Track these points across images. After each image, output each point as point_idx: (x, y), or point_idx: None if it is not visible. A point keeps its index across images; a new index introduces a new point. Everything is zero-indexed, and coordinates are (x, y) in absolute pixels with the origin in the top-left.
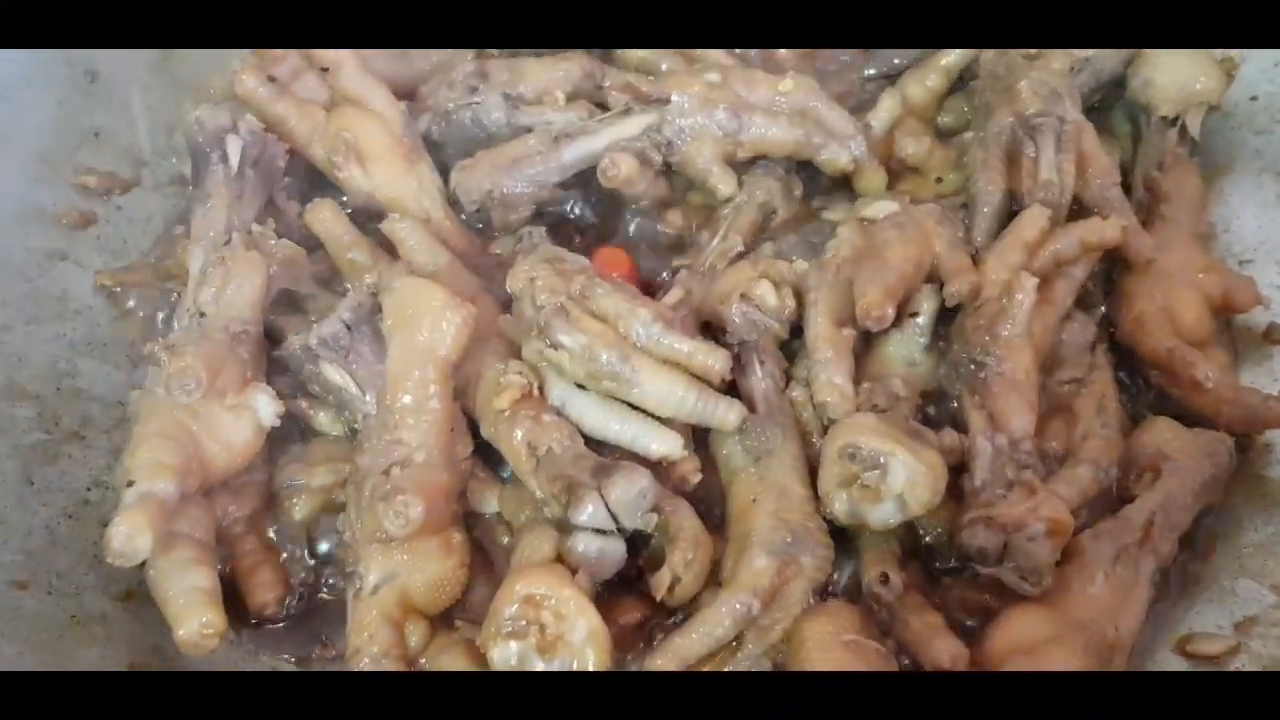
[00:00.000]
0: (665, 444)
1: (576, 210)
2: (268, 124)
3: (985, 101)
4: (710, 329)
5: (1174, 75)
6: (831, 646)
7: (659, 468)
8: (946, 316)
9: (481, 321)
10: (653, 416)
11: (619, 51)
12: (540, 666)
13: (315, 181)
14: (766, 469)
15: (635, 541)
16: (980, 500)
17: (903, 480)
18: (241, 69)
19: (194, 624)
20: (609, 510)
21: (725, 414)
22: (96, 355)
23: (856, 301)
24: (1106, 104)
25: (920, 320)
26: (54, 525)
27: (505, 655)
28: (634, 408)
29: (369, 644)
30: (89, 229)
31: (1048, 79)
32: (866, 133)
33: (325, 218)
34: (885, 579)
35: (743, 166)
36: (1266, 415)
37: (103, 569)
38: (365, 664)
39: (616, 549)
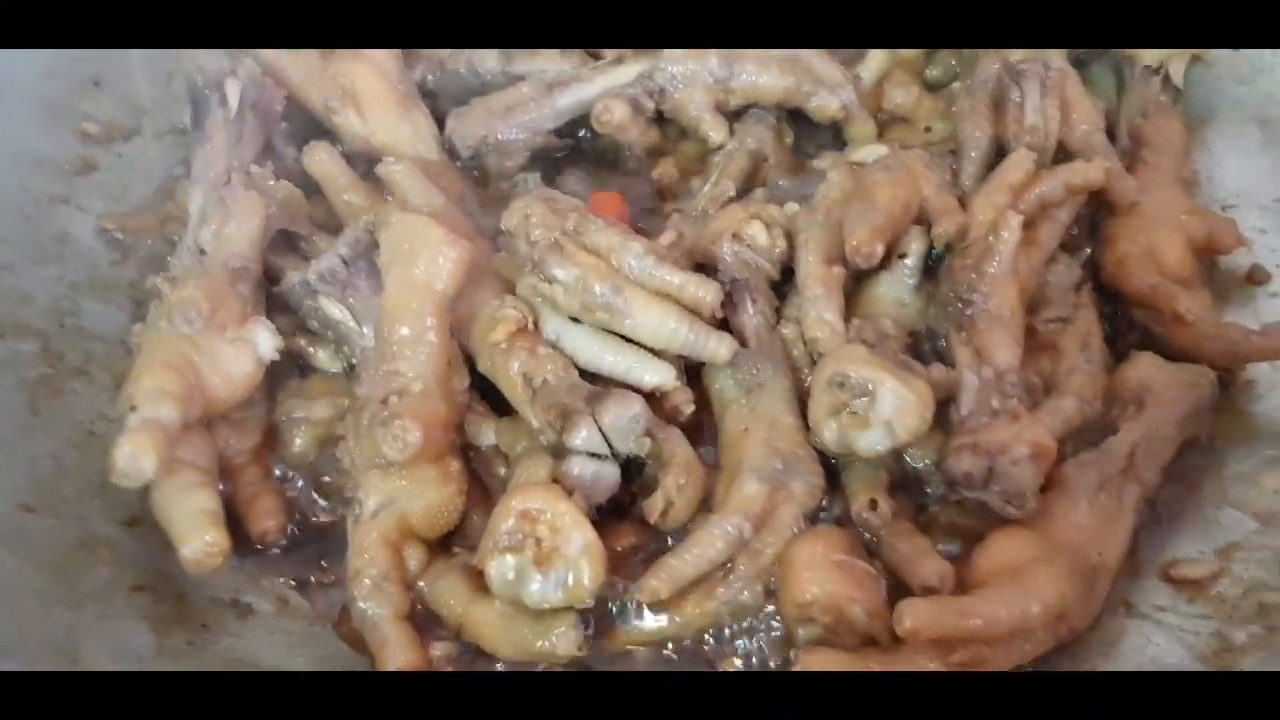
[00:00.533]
0: (658, 375)
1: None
2: (264, 69)
3: (973, 51)
4: (703, 270)
5: None
6: (821, 565)
7: (653, 399)
8: (933, 262)
9: (475, 261)
10: (646, 349)
11: None
12: (536, 579)
13: (311, 128)
14: (757, 401)
15: (628, 470)
16: (966, 428)
17: (891, 407)
18: None
19: (199, 543)
20: (603, 434)
21: (717, 347)
22: (98, 296)
23: (846, 240)
24: (1087, 58)
25: (908, 261)
26: (59, 454)
27: (502, 569)
28: (627, 340)
29: (368, 565)
30: (90, 174)
31: None
32: (856, 84)
33: (322, 160)
34: (874, 505)
35: (734, 115)
36: (1248, 348)
37: (108, 495)
38: (366, 585)
39: (611, 473)
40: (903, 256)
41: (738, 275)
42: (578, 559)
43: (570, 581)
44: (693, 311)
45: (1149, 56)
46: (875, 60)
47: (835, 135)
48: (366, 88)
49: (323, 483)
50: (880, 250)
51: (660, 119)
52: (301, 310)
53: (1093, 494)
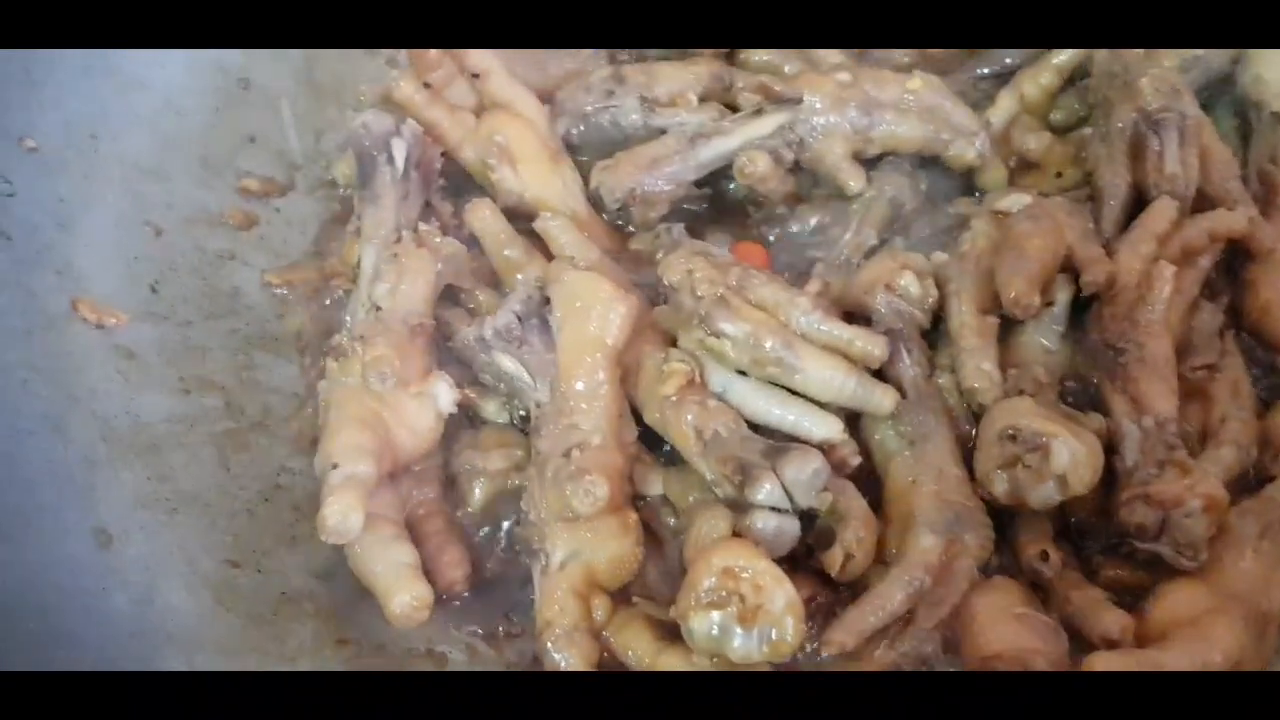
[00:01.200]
0: (826, 428)
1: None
2: (425, 128)
3: (1104, 98)
4: (852, 319)
5: None
6: (1004, 619)
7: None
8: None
9: (638, 314)
10: (810, 401)
11: (741, 55)
12: (739, 635)
13: (461, 185)
14: (922, 452)
15: (802, 522)
16: (1135, 479)
17: (1066, 460)
18: (400, 76)
19: (405, 597)
20: (784, 489)
21: (882, 399)
22: (269, 349)
23: (1001, 292)
24: (1210, 102)
25: (1056, 309)
26: (253, 509)
27: (706, 625)
28: (792, 393)
29: (560, 616)
30: (252, 229)
31: (1167, 75)
32: (986, 129)
33: (485, 216)
34: (1045, 556)
35: (870, 164)
36: None
37: (300, 549)
38: (558, 635)
39: (792, 526)
40: (1049, 304)
41: (893, 325)
42: (781, 616)
43: (774, 637)
44: (858, 364)
45: (1276, 102)
46: (1003, 105)
47: (964, 181)
48: (520, 144)
49: (506, 532)
50: (1038, 300)
51: (796, 167)
52: (476, 364)
53: (1256, 541)
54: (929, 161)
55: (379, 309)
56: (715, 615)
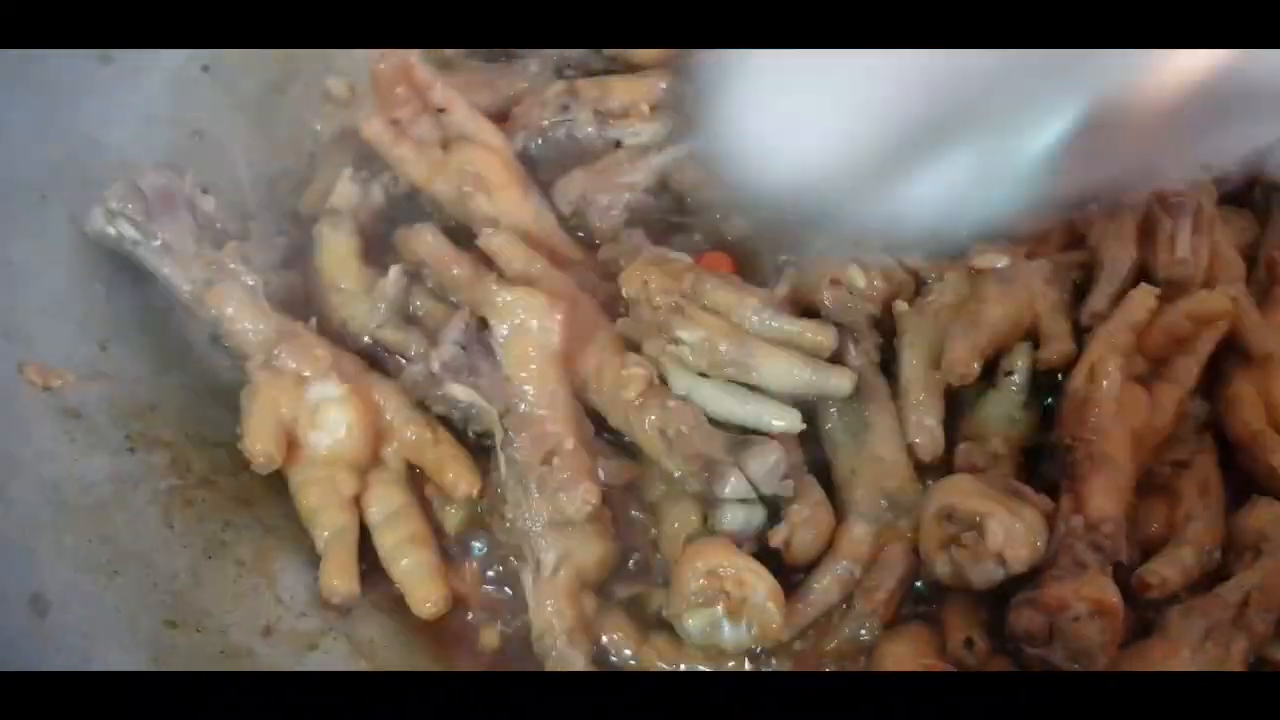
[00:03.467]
0: (785, 419)
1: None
2: (389, 164)
3: None
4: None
5: None
6: (910, 668)
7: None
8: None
9: (584, 320)
10: (770, 395)
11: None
12: (728, 628)
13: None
14: (863, 443)
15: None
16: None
17: (1001, 539)
18: (367, 116)
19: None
20: (749, 481)
21: (839, 382)
22: (219, 401)
23: (944, 355)
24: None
25: (1016, 378)
26: (196, 567)
27: (700, 622)
28: (752, 388)
29: (559, 619)
30: None
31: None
32: None
33: (428, 240)
34: (970, 643)
35: None
36: None
37: (243, 606)
38: (560, 638)
39: (759, 515)
40: (1009, 374)
41: (840, 320)
42: (765, 604)
43: (761, 623)
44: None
45: None
46: None
47: None
48: (491, 172)
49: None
50: (976, 369)
51: None
52: (429, 399)
53: (1197, 643)
54: None
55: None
56: (706, 613)
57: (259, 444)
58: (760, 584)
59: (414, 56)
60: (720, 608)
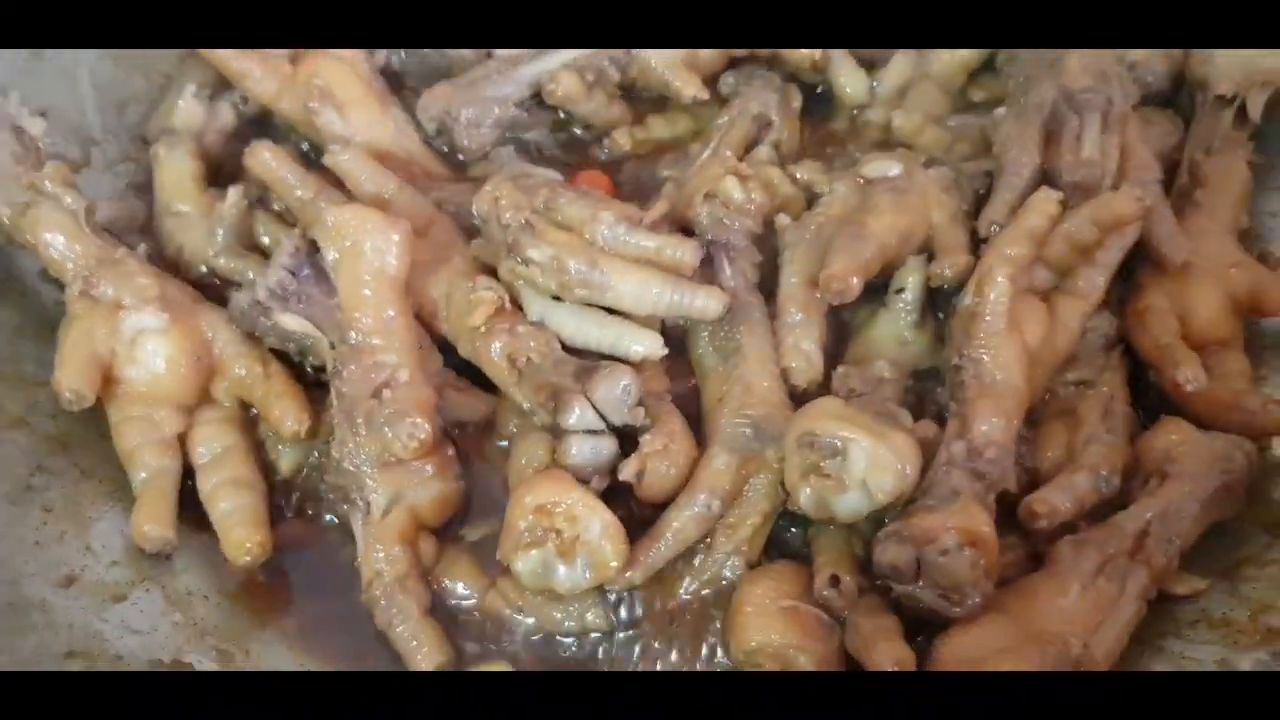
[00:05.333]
0: (645, 344)
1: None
2: (233, 81)
3: (1026, 75)
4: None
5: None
6: (767, 611)
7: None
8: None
9: (439, 243)
10: (632, 319)
11: None
12: (562, 569)
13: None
14: (733, 366)
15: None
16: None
17: (863, 466)
18: None
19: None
20: (596, 410)
21: (705, 303)
22: (44, 338)
23: (823, 271)
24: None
25: (907, 295)
26: None
27: (529, 565)
28: (612, 313)
29: (389, 566)
30: None
31: (1100, 59)
32: (873, 91)
33: (265, 158)
34: (836, 581)
35: (741, 79)
36: (1264, 420)
37: (45, 554)
38: (389, 585)
39: (609, 446)
40: (900, 290)
41: (715, 236)
42: (599, 542)
43: (596, 563)
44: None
45: (1224, 84)
46: (895, 69)
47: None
48: (342, 87)
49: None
50: (857, 286)
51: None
52: (259, 329)
53: (1088, 577)
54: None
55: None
56: (535, 554)
57: (68, 379)
58: (594, 519)
59: None
60: (551, 546)
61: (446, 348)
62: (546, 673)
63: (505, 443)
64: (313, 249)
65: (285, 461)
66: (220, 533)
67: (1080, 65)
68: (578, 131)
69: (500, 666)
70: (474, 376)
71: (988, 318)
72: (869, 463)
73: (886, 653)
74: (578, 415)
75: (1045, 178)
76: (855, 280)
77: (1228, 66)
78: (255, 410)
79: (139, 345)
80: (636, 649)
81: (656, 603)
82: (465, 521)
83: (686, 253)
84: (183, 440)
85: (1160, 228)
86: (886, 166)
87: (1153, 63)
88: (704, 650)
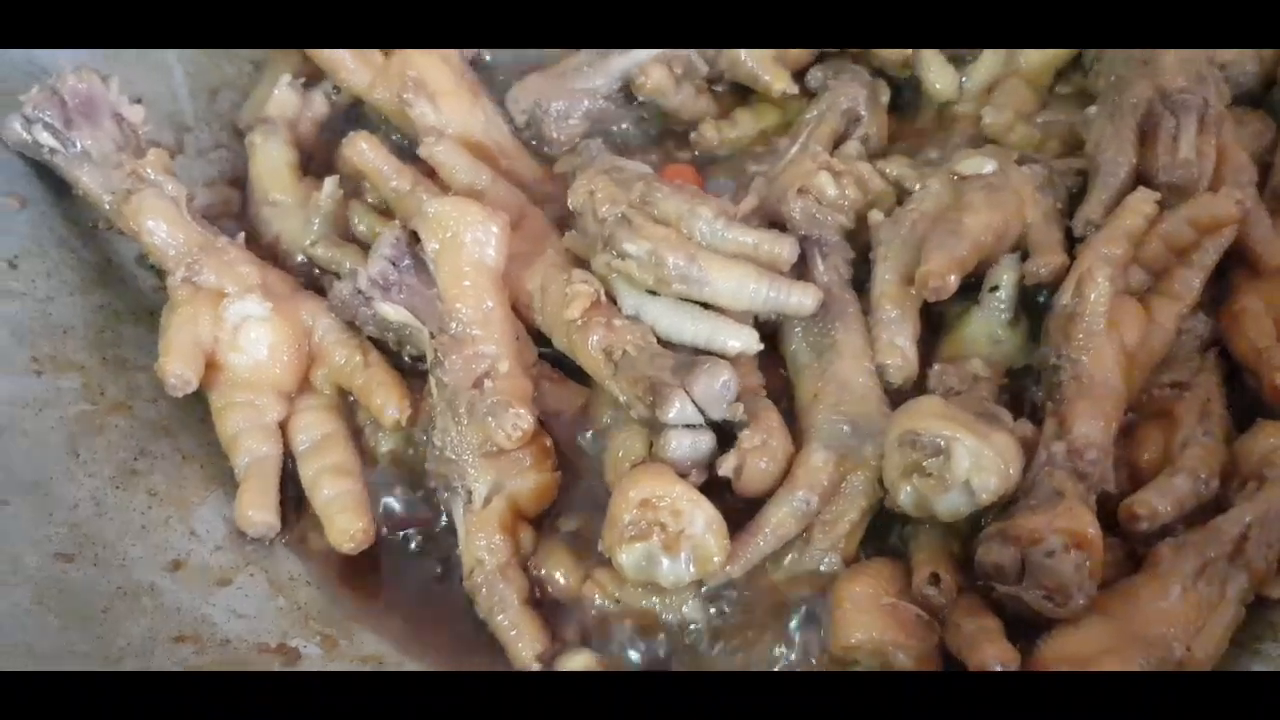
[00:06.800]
0: (740, 339)
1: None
2: (327, 72)
3: (1118, 75)
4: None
5: None
6: (868, 608)
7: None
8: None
9: (532, 235)
10: (727, 313)
11: None
12: (666, 562)
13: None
14: (828, 363)
15: (726, 437)
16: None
17: (967, 466)
18: None
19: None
20: (695, 405)
21: (801, 299)
22: (143, 323)
23: (919, 268)
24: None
25: (1001, 294)
26: (100, 496)
27: (634, 557)
28: (707, 307)
29: (491, 554)
30: None
31: (1195, 59)
32: (962, 84)
33: (363, 149)
34: (936, 579)
35: (829, 73)
36: None
37: (151, 538)
38: (490, 573)
39: (708, 441)
40: (995, 289)
41: (808, 231)
42: (703, 536)
43: (700, 557)
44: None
45: None
46: (985, 64)
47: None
48: (435, 79)
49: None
50: (954, 284)
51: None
52: (359, 318)
53: (1189, 580)
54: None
55: None
56: (640, 547)
57: (173, 365)
58: (699, 513)
59: None
60: (655, 540)
61: (540, 339)
62: (544, 673)
63: (590, 433)
64: (413, 240)
65: (383, 449)
66: (324, 519)
67: (1177, 64)
68: (665, 124)
69: (586, 659)
70: (567, 368)
71: (1087, 318)
72: (973, 462)
73: (992, 653)
74: (677, 410)
75: (1141, 178)
76: (952, 278)
77: None
78: (354, 398)
79: (242, 332)
80: (730, 643)
81: (750, 596)
82: (560, 512)
83: (784, 248)
84: (284, 427)
85: (1256, 229)
86: (981, 163)
87: (1244, 63)
88: (798, 646)
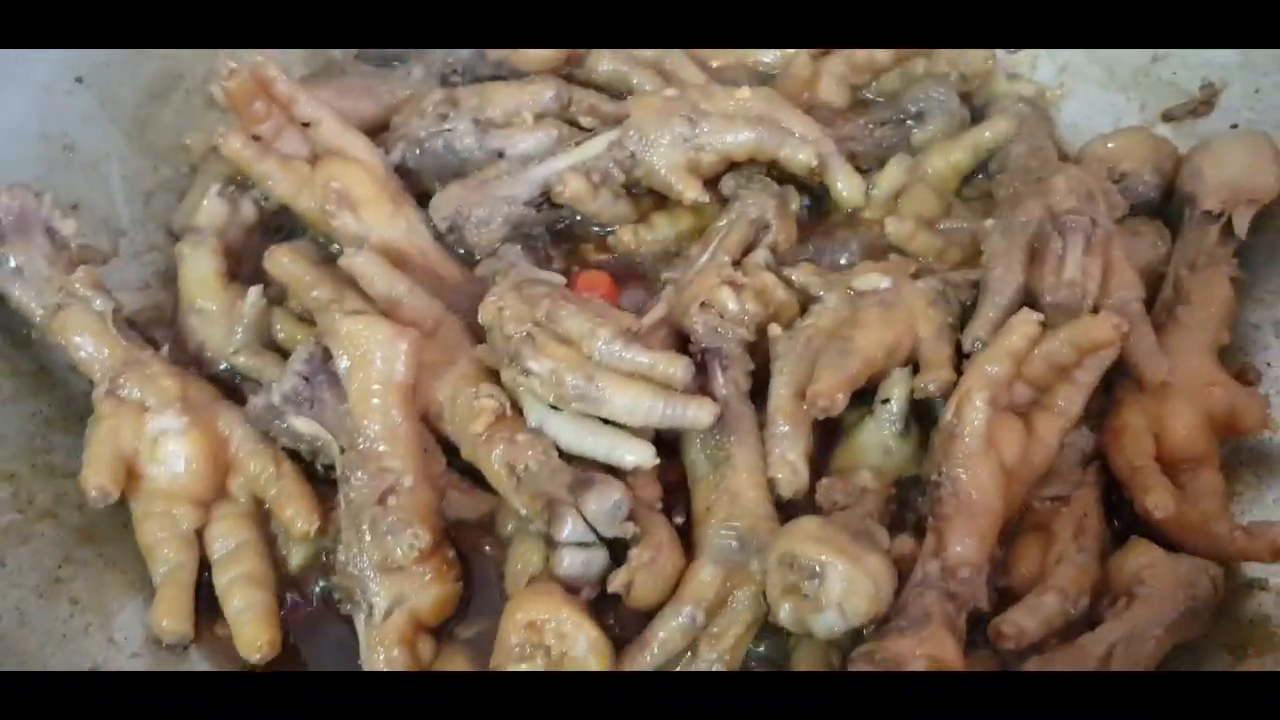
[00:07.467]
0: (636, 454)
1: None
2: (253, 181)
3: (1013, 191)
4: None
5: (1227, 167)
6: None
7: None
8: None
9: (446, 344)
10: (628, 428)
11: (589, 65)
12: None
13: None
14: (723, 476)
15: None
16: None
17: (839, 590)
18: (226, 131)
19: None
20: (587, 523)
21: (697, 414)
22: (74, 429)
23: (810, 386)
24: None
25: (893, 406)
26: (23, 606)
27: None
28: (608, 422)
29: (388, 667)
30: None
31: (1085, 177)
32: (869, 191)
33: (284, 262)
34: None
35: (740, 181)
36: (1229, 546)
37: (68, 648)
38: None
39: (599, 558)
40: (886, 401)
41: (709, 344)
42: (585, 658)
43: None
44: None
45: (1210, 199)
46: (890, 173)
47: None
48: (358, 188)
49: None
50: (842, 402)
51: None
52: (273, 430)
53: None
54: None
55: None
56: (524, 668)
57: (94, 477)
58: (581, 636)
59: (274, 69)
60: (540, 663)
61: (450, 448)
62: (544, 673)
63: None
64: (326, 355)
65: (296, 558)
66: (234, 629)
67: (1066, 185)
68: (584, 228)
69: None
70: (475, 475)
71: (965, 438)
72: (844, 586)
73: None
74: (570, 529)
75: (1029, 295)
76: (840, 396)
77: (1216, 183)
78: (269, 506)
79: (160, 445)
80: None
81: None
82: (462, 617)
83: (678, 369)
84: (201, 533)
85: (1140, 346)
86: (877, 280)
87: (1143, 172)
88: None
